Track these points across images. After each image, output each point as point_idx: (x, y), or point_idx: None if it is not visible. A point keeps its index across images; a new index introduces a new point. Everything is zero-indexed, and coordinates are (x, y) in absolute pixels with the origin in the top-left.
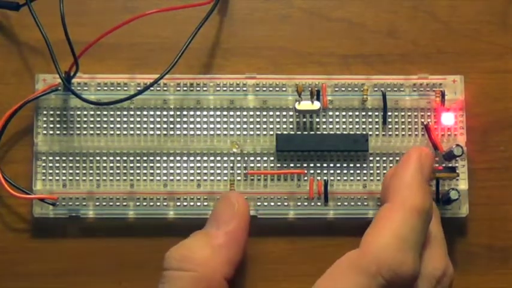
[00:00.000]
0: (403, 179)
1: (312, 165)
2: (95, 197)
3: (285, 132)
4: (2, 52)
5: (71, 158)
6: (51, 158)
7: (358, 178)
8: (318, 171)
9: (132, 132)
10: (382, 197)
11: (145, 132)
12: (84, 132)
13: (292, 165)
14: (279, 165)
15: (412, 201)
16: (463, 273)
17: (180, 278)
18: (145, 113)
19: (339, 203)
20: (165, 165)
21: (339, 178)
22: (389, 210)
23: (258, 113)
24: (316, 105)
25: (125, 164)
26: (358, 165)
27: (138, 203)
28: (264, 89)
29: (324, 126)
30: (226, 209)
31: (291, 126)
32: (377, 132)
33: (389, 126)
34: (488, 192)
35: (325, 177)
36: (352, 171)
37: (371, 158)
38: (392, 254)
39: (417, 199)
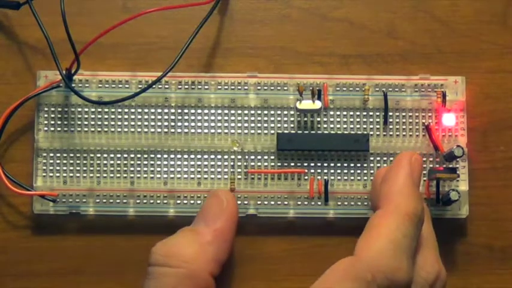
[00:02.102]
0: (395, 184)
1: (312, 164)
2: (95, 194)
3: (285, 132)
4: (3, 51)
5: (71, 155)
6: (51, 154)
7: (359, 178)
8: (319, 171)
9: (133, 129)
10: (372, 199)
11: (146, 130)
12: (85, 129)
13: (292, 164)
14: (279, 164)
15: (405, 207)
16: (463, 273)
17: (166, 275)
18: (146, 110)
19: (339, 203)
20: (165, 163)
21: (339, 178)
22: (383, 217)
23: (259, 111)
24: (317, 104)
25: (125, 162)
26: (358, 165)
27: (138, 201)
28: (265, 88)
29: (325, 125)
30: (215, 206)
31: (291, 125)
32: (378, 132)
33: (390, 126)
34: (488, 192)
35: (325, 177)
36: (352, 171)
37: (371, 158)
38: (387, 261)
39: (410, 205)
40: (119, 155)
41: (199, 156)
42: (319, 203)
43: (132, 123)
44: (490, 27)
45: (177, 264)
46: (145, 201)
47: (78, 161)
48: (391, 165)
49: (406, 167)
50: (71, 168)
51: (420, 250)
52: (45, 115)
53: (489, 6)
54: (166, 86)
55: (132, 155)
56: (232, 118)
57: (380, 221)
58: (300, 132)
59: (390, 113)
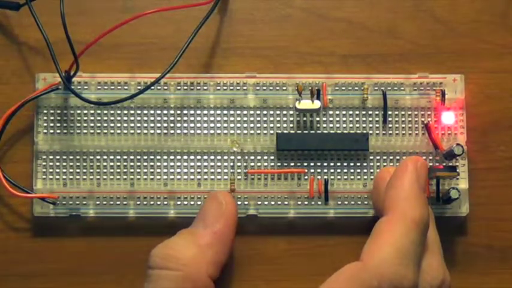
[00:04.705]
0: (401, 190)
1: (312, 164)
2: (95, 196)
3: (285, 131)
4: (2, 52)
5: (71, 157)
6: (51, 157)
7: (359, 177)
8: (318, 171)
9: (132, 131)
10: (375, 201)
11: (145, 131)
12: (85, 131)
13: (292, 164)
14: (279, 164)
15: (412, 214)
16: (463, 273)
17: (165, 278)
18: (145, 112)
19: (339, 202)
20: (165, 164)
21: (339, 177)
22: (389, 223)
23: (258, 112)
24: (317, 104)
25: (125, 163)
26: (358, 164)
27: (138, 202)
28: (264, 88)
29: (325, 125)
30: (214, 208)
31: (291, 125)
32: (377, 132)
33: (390, 125)
34: (488, 192)
35: (325, 177)
36: (352, 171)
37: (371, 157)
38: (394, 269)
39: (416, 211)
40: (118, 157)
41: (199, 157)
42: (319, 202)
43: (132, 124)
44: (490, 27)
45: (176, 267)
46: (145, 202)
47: (78, 163)
48: (396, 170)
49: (412, 173)
50: (71, 170)
51: (425, 255)
52: (45, 117)
53: (489, 6)
54: (165, 87)
55: (131, 157)
56: (232, 118)
57: (387, 227)
58: (300, 132)
59: (389, 112)
